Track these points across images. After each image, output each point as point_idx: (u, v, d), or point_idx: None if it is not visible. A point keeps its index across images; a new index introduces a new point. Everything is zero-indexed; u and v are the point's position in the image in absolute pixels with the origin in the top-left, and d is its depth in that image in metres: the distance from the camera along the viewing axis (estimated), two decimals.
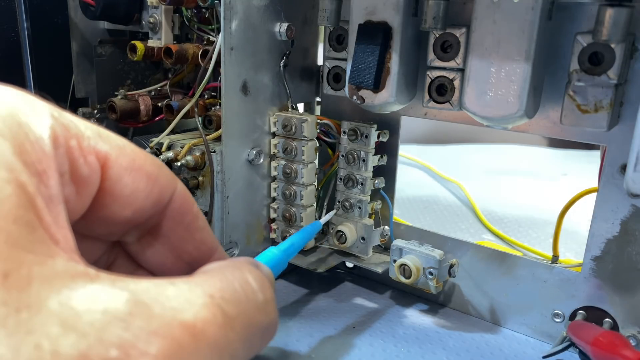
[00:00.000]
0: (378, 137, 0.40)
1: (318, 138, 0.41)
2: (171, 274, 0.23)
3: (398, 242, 0.39)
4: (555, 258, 0.40)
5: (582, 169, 0.84)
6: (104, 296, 0.14)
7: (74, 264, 0.14)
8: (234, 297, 0.18)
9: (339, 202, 0.42)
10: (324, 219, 0.40)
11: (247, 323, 0.18)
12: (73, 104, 0.47)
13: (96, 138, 0.18)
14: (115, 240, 0.23)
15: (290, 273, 0.45)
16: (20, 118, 0.15)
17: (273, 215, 0.42)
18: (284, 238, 0.42)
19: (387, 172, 0.42)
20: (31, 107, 0.16)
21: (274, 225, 0.43)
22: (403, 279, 0.38)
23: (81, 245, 0.16)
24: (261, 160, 0.40)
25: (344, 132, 0.40)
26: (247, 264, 0.21)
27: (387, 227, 0.42)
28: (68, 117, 0.18)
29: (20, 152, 0.15)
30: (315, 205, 0.42)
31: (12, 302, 0.12)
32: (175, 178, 0.22)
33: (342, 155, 0.41)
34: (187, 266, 0.23)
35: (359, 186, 0.41)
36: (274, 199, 0.42)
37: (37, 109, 0.16)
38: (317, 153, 0.42)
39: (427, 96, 0.35)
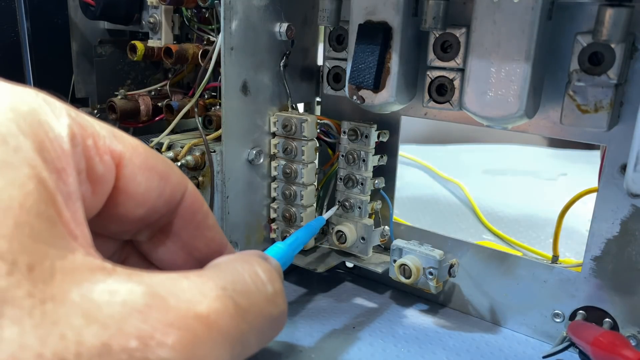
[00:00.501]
0: (378, 137, 0.40)
1: (318, 138, 0.41)
2: None
3: (398, 242, 0.39)
4: (555, 258, 0.40)
5: (582, 169, 0.84)
6: (122, 289, 0.14)
7: (92, 259, 0.15)
8: (244, 288, 0.18)
9: (339, 202, 0.42)
10: (327, 214, 0.40)
11: (258, 313, 0.18)
12: (73, 104, 0.47)
13: (111, 138, 0.19)
14: (127, 239, 0.23)
15: (290, 273, 0.45)
16: (41, 117, 0.16)
17: (273, 215, 0.42)
18: (283, 238, 0.42)
19: (387, 172, 0.42)
20: (50, 107, 0.16)
21: (274, 225, 0.43)
22: (403, 279, 0.38)
23: (94, 243, 0.16)
24: (261, 160, 0.40)
25: (344, 132, 0.40)
26: (255, 256, 0.21)
27: (387, 227, 0.42)
28: (84, 117, 0.18)
29: (41, 150, 0.15)
30: (315, 205, 0.42)
31: (37, 294, 0.13)
32: (185, 178, 0.22)
33: (342, 155, 0.41)
34: (197, 263, 0.23)
35: (359, 186, 0.41)
36: (274, 199, 0.42)
37: (56, 109, 0.17)
38: (317, 153, 0.42)
39: (427, 96, 0.35)
